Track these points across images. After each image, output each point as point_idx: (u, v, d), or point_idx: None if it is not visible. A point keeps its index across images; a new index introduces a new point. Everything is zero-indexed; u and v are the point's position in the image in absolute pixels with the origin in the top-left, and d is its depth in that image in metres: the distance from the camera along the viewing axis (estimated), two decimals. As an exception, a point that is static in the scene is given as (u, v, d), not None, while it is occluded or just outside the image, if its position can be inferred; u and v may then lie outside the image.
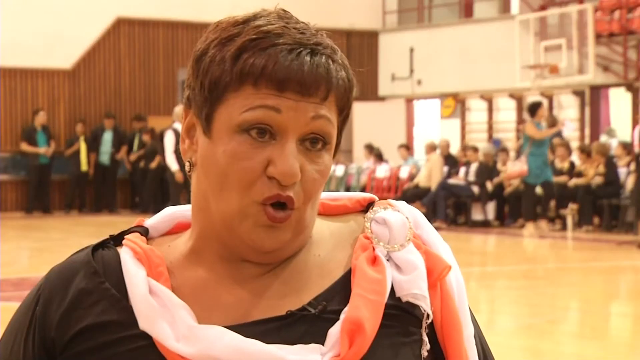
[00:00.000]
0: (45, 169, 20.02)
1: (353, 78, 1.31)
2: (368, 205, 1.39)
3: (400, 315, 1.29)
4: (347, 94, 1.30)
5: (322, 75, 1.25)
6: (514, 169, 16.13)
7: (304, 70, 1.24)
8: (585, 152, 16.90)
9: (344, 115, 1.31)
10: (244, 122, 1.25)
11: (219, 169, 1.26)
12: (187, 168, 1.33)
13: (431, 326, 1.32)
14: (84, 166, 20.36)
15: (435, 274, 1.32)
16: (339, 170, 20.40)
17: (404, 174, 19.31)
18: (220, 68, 1.26)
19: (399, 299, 1.30)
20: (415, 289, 1.30)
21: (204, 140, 1.29)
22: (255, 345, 1.22)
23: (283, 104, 1.24)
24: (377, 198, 1.40)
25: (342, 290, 1.29)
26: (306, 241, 1.33)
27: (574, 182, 16.59)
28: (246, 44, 1.25)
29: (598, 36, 18.72)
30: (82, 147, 20.30)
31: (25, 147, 19.90)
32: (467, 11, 22.80)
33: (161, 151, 20.64)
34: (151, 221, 1.40)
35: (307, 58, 1.25)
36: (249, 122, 1.25)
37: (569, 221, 16.66)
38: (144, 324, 1.26)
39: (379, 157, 20.18)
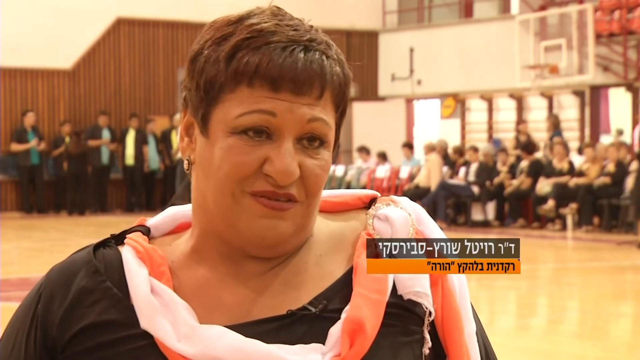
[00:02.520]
0: (37, 170, 20.00)
1: (349, 72, 1.31)
2: (370, 202, 1.39)
3: (401, 314, 1.29)
4: (343, 88, 1.29)
5: (315, 72, 1.25)
6: None
7: (298, 68, 1.24)
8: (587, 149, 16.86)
9: (340, 110, 1.31)
10: (239, 126, 1.25)
11: (215, 165, 1.26)
12: (185, 166, 1.33)
13: (432, 323, 1.32)
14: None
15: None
16: (339, 170, 20.39)
17: (404, 174, 19.31)
18: (215, 68, 1.26)
19: (401, 296, 1.29)
20: (417, 286, 1.29)
21: (201, 140, 1.29)
22: (255, 345, 1.22)
23: (278, 107, 1.24)
24: (379, 194, 1.40)
25: (343, 288, 1.29)
26: (307, 238, 1.33)
27: (574, 181, 16.58)
28: (240, 43, 1.25)
29: (598, 36, 18.71)
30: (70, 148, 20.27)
31: (15, 147, 19.88)
32: (467, 11, 22.79)
33: (167, 151, 20.68)
34: (153, 221, 1.40)
35: (301, 55, 1.24)
36: (244, 126, 1.24)
37: (569, 221, 16.65)
38: (145, 324, 1.25)
39: (383, 158, 20.15)
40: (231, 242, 1.29)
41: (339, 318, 1.25)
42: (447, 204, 18.04)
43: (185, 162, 1.32)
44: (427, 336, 1.31)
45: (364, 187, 19.31)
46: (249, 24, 1.27)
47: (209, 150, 1.27)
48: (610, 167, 16.42)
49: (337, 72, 1.28)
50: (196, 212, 1.32)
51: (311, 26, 1.30)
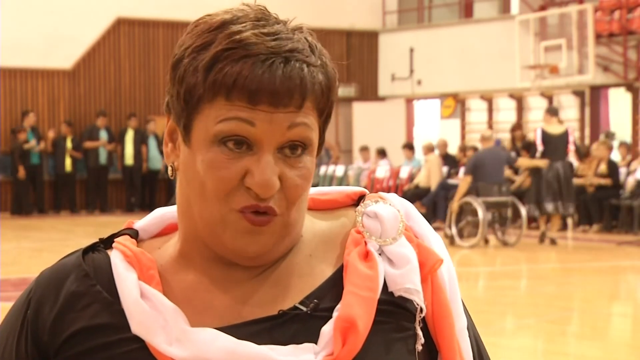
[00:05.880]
0: (37, 169, 19.99)
1: (334, 73, 1.29)
2: (359, 199, 1.38)
3: (393, 310, 1.29)
4: (326, 94, 1.28)
5: (295, 84, 1.23)
6: None
7: (276, 82, 1.22)
8: (580, 152, 16.86)
9: (325, 115, 1.29)
10: (219, 133, 1.23)
11: (198, 178, 1.26)
12: (170, 172, 1.32)
13: (424, 319, 1.31)
14: (68, 167, 20.33)
15: (427, 268, 1.31)
16: (339, 170, 20.41)
17: (404, 174, 19.31)
18: (194, 78, 1.24)
19: (392, 293, 1.29)
20: (408, 283, 1.29)
21: (184, 148, 1.29)
22: (247, 347, 1.22)
23: (257, 117, 1.22)
24: (367, 191, 1.39)
25: (334, 287, 1.28)
26: (295, 242, 1.32)
27: (574, 182, 16.57)
28: (219, 54, 1.23)
29: (598, 36, 18.71)
30: (68, 147, 20.27)
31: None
32: (467, 11, 22.81)
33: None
34: (141, 223, 1.39)
35: (279, 69, 1.22)
36: (224, 132, 1.23)
37: (569, 221, 16.65)
38: (136, 328, 1.25)
39: (382, 154, 20.14)
40: (215, 250, 1.29)
41: (331, 317, 1.25)
42: (447, 204, 18.02)
43: (170, 168, 1.32)
44: (420, 332, 1.30)
45: (365, 188, 19.33)
46: (229, 33, 1.24)
47: (192, 160, 1.27)
48: (603, 167, 16.43)
49: (319, 80, 1.26)
50: (181, 218, 1.32)
51: (295, 29, 1.28)
